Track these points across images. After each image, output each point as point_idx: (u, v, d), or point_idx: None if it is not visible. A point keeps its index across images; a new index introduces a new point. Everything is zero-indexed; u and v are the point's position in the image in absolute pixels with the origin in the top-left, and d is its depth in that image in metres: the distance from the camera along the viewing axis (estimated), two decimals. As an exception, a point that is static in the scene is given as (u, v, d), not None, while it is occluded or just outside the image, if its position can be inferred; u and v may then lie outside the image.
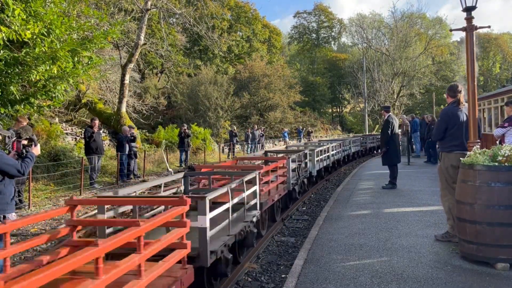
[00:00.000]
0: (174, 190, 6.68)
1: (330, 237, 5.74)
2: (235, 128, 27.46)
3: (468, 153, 4.70)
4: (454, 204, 4.85)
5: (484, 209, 4.27)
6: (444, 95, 6.28)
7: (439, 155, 5.54)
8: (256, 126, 29.84)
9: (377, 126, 49.82)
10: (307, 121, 44.98)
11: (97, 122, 12.34)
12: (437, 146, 15.81)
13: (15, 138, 7.95)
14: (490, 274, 4.13)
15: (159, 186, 6.62)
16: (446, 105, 5.68)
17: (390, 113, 9.89)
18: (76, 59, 8.73)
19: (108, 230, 4.51)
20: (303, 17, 64.45)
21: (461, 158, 4.70)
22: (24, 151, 4.60)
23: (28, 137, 5.58)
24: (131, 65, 20.44)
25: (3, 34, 7.26)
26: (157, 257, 3.21)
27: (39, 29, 7.78)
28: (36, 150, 4.69)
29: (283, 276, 5.05)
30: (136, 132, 15.38)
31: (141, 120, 25.03)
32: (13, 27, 7.38)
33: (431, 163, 14.72)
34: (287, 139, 34.20)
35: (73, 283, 2.97)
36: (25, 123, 8.70)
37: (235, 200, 5.26)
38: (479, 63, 55.70)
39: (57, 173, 11.83)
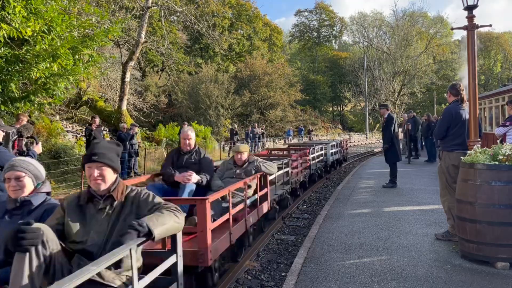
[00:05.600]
0: None
1: (330, 235, 5.73)
2: (236, 126, 27.42)
3: (469, 152, 4.69)
4: (453, 203, 4.84)
5: (485, 208, 4.26)
6: (445, 94, 6.26)
7: (440, 154, 5.51)
8: (256, 124, 29.81)
9: (378, 125, 49.74)
10: (308, 119, 44.96)
11: (97, 119, 12.35)
12: (437, 144, 15.77)
13: (16, 136, 7.99)
14: (490, 273, 4.13)
15: None
16: (448, 104, 5.64)
17: (389, 111, 9.81)
18: (76, 56, 8.74)
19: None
20: (304, 16, 64.42)
21: (461, 157, 4.69)
22: (25, 149, 4.61)
23: (29, 135, 5.59)
24: (132, 63, 20.44)
25: (4, 32, 7.26)
26: None
27: (40, 26, 7.77)
28: (38, 148, 4.70)
29: (283, 274, 5.04)
30: (137, 130, 15.36)
31: (142, 118, 25.04)
32: (13, 24, 7.37)
33: (431, 162, 14.69)
34: (291, 138, 33.97)
35: None
36: (25, 120, 8.71)
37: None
38: (480, 62, 55.55)
39: (57, 171, 11.84)
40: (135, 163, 14.00)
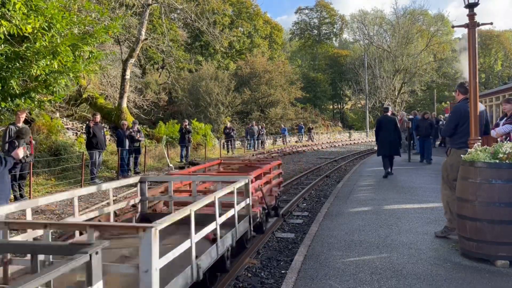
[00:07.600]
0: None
1: (330, 233, 5.74)
2: (228, 123, 27.25)
3: (469, 150, 4.70)
4: (452, 199, 4.87)
5: (485, 207, 4.27)
6: (453, 93, 6.26)
7: (448, 151, 5.57)
8: (255, 122, 29.74)
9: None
10: (308, 117, 44.92)
11: (98, 116, 12.32)
12: (438, 142, 15.59)
13: (15, 136, 8.08)
14: (490, 271, 4.14)
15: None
16: (456, 101, 5.70)
17: (387, 113, 11.10)
18: (77, 53, 8.72)
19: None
20: (304, 13, 64.37)
21: (462, 155, 4.69)
22: (3, 154, 4.52)
23: (23, 138, 5.51)
24: (132, 60, 20.41)
25: (4, 29, 7.25)
26: None
27: (40, 23, 7.76)
28: (15, 153, 4.62)
29: (283, 271, 5.05)
30: (139, 128, 15.31)
31: (142, 115, 25.01)
32: (14, 21, 7.36)
33: (428, 163, 14.00)
34: (287, 137, 33.70)
35: None
36: (23, 117, 8.73)
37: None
38: (480, 60, 55.47)
39: (57, 168, 11.84)
40: (136, 161, 13.93)
